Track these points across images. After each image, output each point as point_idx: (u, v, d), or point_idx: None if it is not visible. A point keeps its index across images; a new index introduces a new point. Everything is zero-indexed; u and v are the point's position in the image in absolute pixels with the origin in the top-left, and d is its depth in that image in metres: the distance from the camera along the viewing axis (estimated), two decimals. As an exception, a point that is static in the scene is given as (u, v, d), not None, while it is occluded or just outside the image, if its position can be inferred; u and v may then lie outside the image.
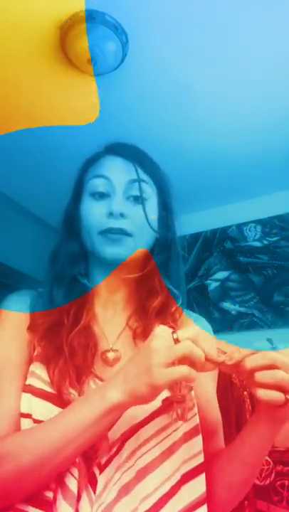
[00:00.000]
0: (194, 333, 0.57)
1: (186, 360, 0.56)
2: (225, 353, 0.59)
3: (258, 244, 2.66)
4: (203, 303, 2.71)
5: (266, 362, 0.56)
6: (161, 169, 0.85)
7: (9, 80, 1.85)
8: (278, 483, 1.79)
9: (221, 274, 2.71)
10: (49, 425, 0.61)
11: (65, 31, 1.59)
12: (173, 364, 0.55)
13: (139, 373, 0.56)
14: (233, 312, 2.61)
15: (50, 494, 0.61)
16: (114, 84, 1.87)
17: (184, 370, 0.55)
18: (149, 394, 0.57)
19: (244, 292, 2.61)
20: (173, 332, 0.57)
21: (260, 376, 0.56)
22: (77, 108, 2.02)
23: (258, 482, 1.78)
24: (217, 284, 2.71)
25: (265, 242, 2.64)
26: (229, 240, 2.75)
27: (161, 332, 0.58)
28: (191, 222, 2.82)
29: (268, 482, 1.78)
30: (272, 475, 1.79)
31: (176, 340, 0.56)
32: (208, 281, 2.74)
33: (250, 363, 0.57)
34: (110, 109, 2.01)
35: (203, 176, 2.53)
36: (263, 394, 0.56)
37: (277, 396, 0.56)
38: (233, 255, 2.71)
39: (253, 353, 0.58)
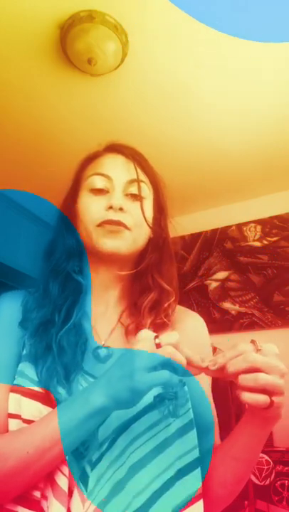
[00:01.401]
0: (176, 339, 0.57)
1: (169, 365, 0.56)
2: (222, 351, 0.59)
3: (258, 244, 2.66)
4: (203, 303, 2.71)
5: (247, 365, 0.56)
6: (157, 173, 0.86)
7: (9, 79, 1.85)
8: (278, 483, 1.79)
9: (221, 274, 2.72)
10: (34, 427, 0.62)
11: (65, 31, 1.60)
12: (155, 368, 0.55)
13: (122, 377, 0.57)
14: (233, 312, 2.61)
15: (39, 494, 0.61)
16: (114, 84, 1.87)
17: (165, 375, 0.55)
18: (131, 398, 0.56)
19: (244, 292, 2.61)
20: (156, 337, 0.58)
21: (243, 380, 0.56)
22: (77, 108, 2.02)
23: (258, 482, 1.78)
24: (217, 284, 2.71)
25: (265, 242, 2.64)
26: (229, 240, 2.75)
27: (144, 336, 0.58)
28: (191, 222, 2.82)
29: (268, 482, 1.78)
30: (272, 475, 1.79)
31: (158, 345, 0.56)
32: (208, 281, 2.74)
33: (232, 367, 0.57)
34: (110, 109, 2.01)
35: (204, 175, 2.53)
36: (247, 397, 0.56)
37: (261, 399, 0.56)
38: (233, 255, 2.72)
39: (236, 356, 0.58)
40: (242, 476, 0.70)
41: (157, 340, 0.57)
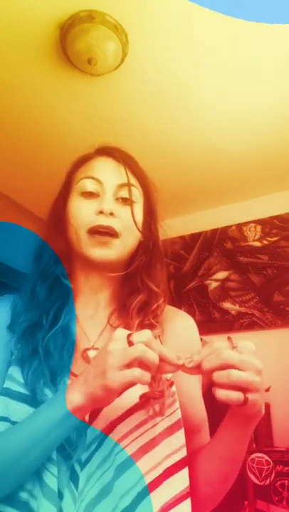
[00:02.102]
0: (148, 337, 0.58)
1: (141, 363, 0.56)
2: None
3: (258, 244, 2.66)
4: (203, 303, 2.71)
5: (221, 362, 0.56)
6: (148, 176, 0.87)
7: (9, 79, 1.85)
8: (278, 483, 1.79)
9: (221, 274, 2.72)
10: (18, 427, 0.63)
11: (65, 31, 1.60)
12: (128, 366, 0.56)
13: (96, 376, 0.58)
14: (233, 312, 2.61)
15: (26, 495, 0.62)
16: (114, 84, 1.87)
17: (136, 372, 0.55)
18: (105, 396, 0.57)
19: (244, 292, 2.61)
20: (129, 335, 0.58)
21: (217, 376, 0.56)
22: (77, 108, 2.02)
23: (258, 482, 1.78)
24: (217, 284, 2.71)
25: (265, 242, 2.64)
26: (229, 240, 2.75)
27: (118, 335, 0.59)
28: (191, 222, 2.82)
29: (267, 482, 1.78)
30: (272, 475, 1.79)
31: (131, 343, 0.57)
32: (208, 281, 2.74)
33: (207, 364, 0.57)
34: (110, 109, 2.01)
35: (204, 175, 2.53)
36: (220, 394, 0.56)
37: (235, 396, 0.56)
38: (233, 255, 2.72)
39: (212, 353, 0.58)
40: (227, 476, 0.70)
41: (130, 339, 0.57)
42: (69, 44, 1.63)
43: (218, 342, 0.58)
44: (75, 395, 0.59)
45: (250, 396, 0.56)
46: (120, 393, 0.58)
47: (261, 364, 0.58)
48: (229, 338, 0.59)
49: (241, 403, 0.56)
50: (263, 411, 0.61)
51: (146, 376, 0.56)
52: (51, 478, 0.61)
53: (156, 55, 1.72)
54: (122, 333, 0.59)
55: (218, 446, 0.69)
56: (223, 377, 0.56)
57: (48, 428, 0.60)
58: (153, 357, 0.56)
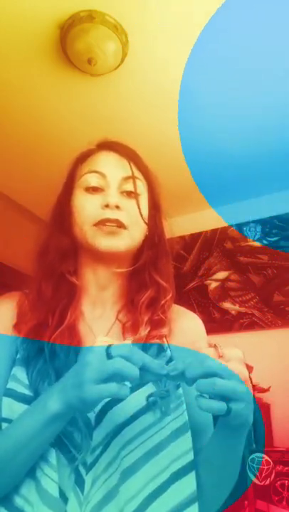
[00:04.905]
0: (128, 350, 0.55)
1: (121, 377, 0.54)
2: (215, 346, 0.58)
3: (258, 244, 2.66)
4: (203, 303, 2.71)
5: (204, 370, 0.54)
6: (151, 169, 0.86)
7: (9, 79, 1.85)
8: (278, 483, 1.79)
9: (221, 274, 2.71)
10: (4, 433, 0.63)
11: (65, 31, 1.60)
12: (106, 380, 0.54)
13: (73, 386, 0.56)
14: (233, 312, 2.61)
15: (21, 501, 0.61)
16: (114, 84, 1.87)
17: (112, 388, 0.53)
18: (82, 406, 0.56)
19: (244, 292, 2.61)
20: (108, 347, 0.55)
21: (200, 385, 0.54)
22: (77, 108, 2.02)
23: (258, 482, 1.78)
24: (217, 284, 2.71)
25: (265, 242, 2.64)
26: (229, 240, 2.75)
27: (98, 345, 0.57)
28: (191, 222, 2.82)
29: (268, 482, 1.78)
30: (272, 475, 1.79)
31: (110, 356, 0.55)
32: (208, 281, 2.74)
33: (189, 372, 0.55)
34: (110, 109, 2.01)
35: (204, 176, 2.53)
36: (201, 403, 0.54)
37: (216, 406, 0.53)
38: (233, 255, 2.71)
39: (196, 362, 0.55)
40: (218, 482, 0.69)
41: (108, 351, 0.55)
42: (69, 44, 1.63)
43: (204, 349, 0.57)
44: (53, 402, 0.58)
45: (234, 406, 0.54)
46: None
47: (247, 373, 0.56)
48: (215, 346, 0.57)
49: (224, 413, 0.54)
50: (251, 421, 0.58)
51: (124, 390, 0.54)
52: (51, 484, 0.60)
53: (156, 55, 1.72)
54: (102, 342, 0.57)
55: (209, 452, 0.68)
56: (207, 385, 0.53)
57: (28, 436, 0.59)
58: (131, 372, 0.54)
